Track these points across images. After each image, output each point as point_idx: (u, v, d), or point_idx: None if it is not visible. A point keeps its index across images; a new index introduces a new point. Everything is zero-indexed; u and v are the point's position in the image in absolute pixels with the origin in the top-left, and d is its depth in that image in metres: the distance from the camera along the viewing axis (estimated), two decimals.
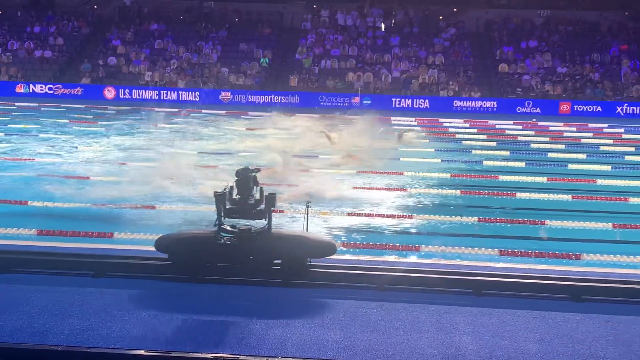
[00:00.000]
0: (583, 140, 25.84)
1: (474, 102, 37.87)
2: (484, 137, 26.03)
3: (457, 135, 26.21)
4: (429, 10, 44.28)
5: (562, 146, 24.20)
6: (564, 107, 36.84)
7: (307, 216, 9.60)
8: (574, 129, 29.54)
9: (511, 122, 31.66)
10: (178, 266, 8.87)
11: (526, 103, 37.30)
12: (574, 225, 12.46)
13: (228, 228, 8.76)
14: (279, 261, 8.87)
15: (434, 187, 16.01)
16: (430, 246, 10.75)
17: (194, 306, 7.93)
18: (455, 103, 37.87)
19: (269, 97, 38.11)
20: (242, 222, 8.87)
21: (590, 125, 30.97)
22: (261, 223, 8.84)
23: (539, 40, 41.60)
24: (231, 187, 8.81)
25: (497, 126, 30.33)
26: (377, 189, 15.56)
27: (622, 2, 43.29)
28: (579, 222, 12.64)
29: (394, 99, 38.02)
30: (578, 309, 8.04)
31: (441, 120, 31.44)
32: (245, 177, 8.75)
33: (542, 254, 10.48)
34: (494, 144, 24.08)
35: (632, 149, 23.40)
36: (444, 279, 8.71)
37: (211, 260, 8.87)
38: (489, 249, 10.61)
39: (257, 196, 8.75)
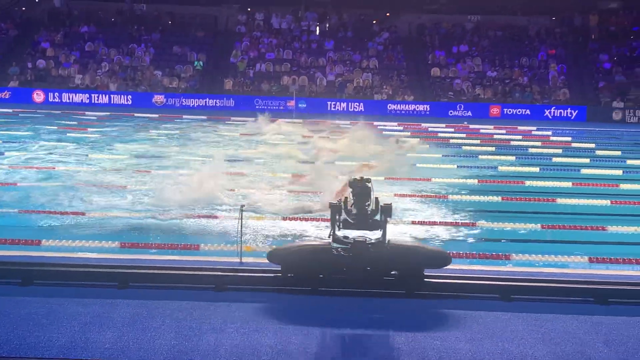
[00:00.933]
0: (513, 143, 26.44)
1: (407, 105, 38.41)
2: (417, 140, 26.39)
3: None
4: (363, 15, 44.69)
5: (493, 148, 24.73)
6: (494, 111, 37.70)
7: (241, 221, 9.58)
8: (504, 131, 30.25)
9: (443, 125, 32.19)
10: (292, 278, 8.69)
11: (458, 106, 38.02)
12: (503, 226, 12.71)
13: (342, 239, 8.62)
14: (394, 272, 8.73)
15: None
16: None
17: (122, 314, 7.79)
18: (389, 106, 38.36)
19: (204, 100, 37.85)
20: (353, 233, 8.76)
21: (519, 128, 31.75)
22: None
23: (470, 44, 42.46)
24: (346, 198, 8.69)
25: (429, 129, 30.78)
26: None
27: (549, 7, 44.58)
28: (509, 223, 12.91)
29: (329, 103, 38.25)
30: (508, 308, 8.20)
31: (376, 123, 31.69)
32: (364, 187, 8.60)
33: (472, 254, 10.65)
34: (427, 146, 24.44)
35: (559, 151, 24.09)
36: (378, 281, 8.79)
37: (326, 272, 8.70)
38: None
39: (373, 206, 8.57)
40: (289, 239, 11.48)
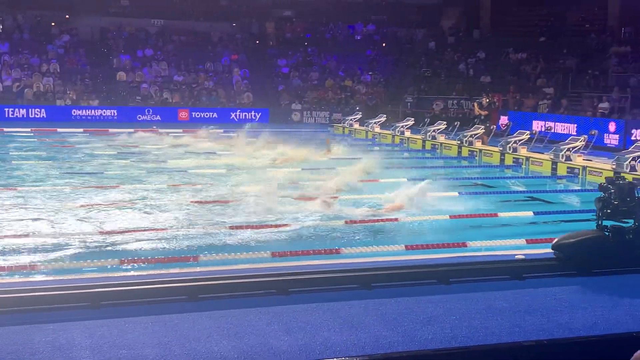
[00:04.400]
0: (200, 145, 26.96)
1: (93, 110, 37.35)
2: (104, 145, 25.89)
3: (77, 146, 25.65)
4: (39, 16, 42.32)
5: (183, 151, 25.03)
6: (183, 114, 38.17)
7: None
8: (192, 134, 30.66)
9: (132, 130, 31.80)
10: (569, 263, 10.16)
11: (146, 111, 37.86)
12: (190, 230, 12.81)
13: (605, 227, 10.31)
14: None
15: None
16: (48, 264, 10.25)
17: None
18: (74, 112, 36.98)
19: None
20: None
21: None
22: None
23: (155, 49, 42.41)
24: (611, 193, 10.24)
25: (118, 134, 30.22)
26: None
27: (229, 14, 46.18)
28: (197, 227, 13.08)
29: (6, 109, 35.84)
30: (195, 308, 8.33)
31: (60, 130, 30.30)
32: (629, 183, 10.42)
33: (162, 259, 10.62)
34: (115, 152, 24.04)
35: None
36: (60, 295, 8.38)
37: (602, 256, 10.22)
38: (110, 259, 10.46)
39: (630, 199, 10.25)
40: None
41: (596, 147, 24.62)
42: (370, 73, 43.99)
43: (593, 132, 24.02)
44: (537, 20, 44.36)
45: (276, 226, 13.04)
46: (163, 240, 12.00)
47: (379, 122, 32.88)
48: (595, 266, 10.26)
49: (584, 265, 10.22)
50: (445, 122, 29.24)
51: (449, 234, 12.84)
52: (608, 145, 26.96)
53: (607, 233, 10.37)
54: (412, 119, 31.71)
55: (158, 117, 37.53)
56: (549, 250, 11.04)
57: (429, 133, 28.28)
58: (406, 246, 11.43)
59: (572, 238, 10.48)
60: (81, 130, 31.18)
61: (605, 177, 11.00)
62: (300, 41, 45.60)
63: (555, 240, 10.54)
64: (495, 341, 7.39)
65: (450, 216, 14.07)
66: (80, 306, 8.24)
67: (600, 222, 10.43)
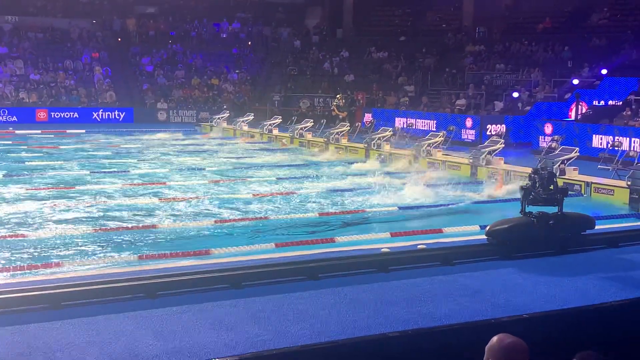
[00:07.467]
0: (62, 147, 25.99)
1: None
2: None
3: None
4: None
5: (42, 154, 24.08)
6: (41, 115, 36.61)
7: None
8: (52, 135, 29.56)
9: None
10: (498, 246, 10.91)
11: (1, 112, 36.05)
12: (52, 234, 12.36)
13: (530, 214, 11.12)
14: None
15: None
16: None
17: None
18: None
19: None
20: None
21: (69, 131, 31.36)
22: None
23: (9, 46, 40.42)
24: (534, 182, 11.13)
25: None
26: None
27: (89, 11, 44.66)
28: (60, 229, 12.64)
29: None
30: (58, 316, 8.03)
31: None
32: (549, 174, 11.25)
33: (22, 267, 10.18)
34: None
35: (109, 153, 24.47)
36: None
37: (526, 240, 10.99)
38: None
39: (553, 187, 11.12)
40: None
41: (455, 142, 25.75)
42: (237, 71, 43.85)
43: (451, 128, 25.13)
44: (398, 20, 45.77)
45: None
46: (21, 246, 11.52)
47: (246, 120, 32.87)
48: (525, 250, 10.97)
49: (514, 250, 10.85)
50: (312, 120, 29.64)
51: (318, 230, 13.11)
52: (465, 140, 28.22)
53: (533, 219, 11.14)
54: (280, 117, 31.92)
55: (14, 118, 35.77)
56: (414, 242, 11.50)
57: (297, 131, 28.57)
58: (276, 244, 11.53)
59: (504, 224, 11.15)
60: None
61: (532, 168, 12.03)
62: (164, 39, 44.73)
63: (488, 227, 11.20)
64: (363, 333, 7.59)
65: (319, 214, 14.36)
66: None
67: (523, 209, 11.18)
